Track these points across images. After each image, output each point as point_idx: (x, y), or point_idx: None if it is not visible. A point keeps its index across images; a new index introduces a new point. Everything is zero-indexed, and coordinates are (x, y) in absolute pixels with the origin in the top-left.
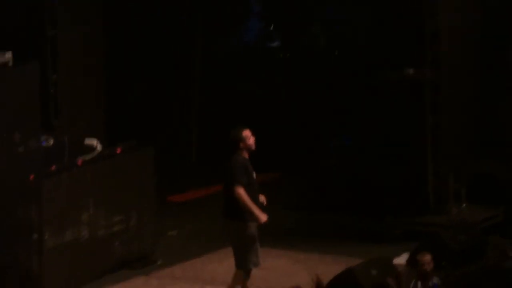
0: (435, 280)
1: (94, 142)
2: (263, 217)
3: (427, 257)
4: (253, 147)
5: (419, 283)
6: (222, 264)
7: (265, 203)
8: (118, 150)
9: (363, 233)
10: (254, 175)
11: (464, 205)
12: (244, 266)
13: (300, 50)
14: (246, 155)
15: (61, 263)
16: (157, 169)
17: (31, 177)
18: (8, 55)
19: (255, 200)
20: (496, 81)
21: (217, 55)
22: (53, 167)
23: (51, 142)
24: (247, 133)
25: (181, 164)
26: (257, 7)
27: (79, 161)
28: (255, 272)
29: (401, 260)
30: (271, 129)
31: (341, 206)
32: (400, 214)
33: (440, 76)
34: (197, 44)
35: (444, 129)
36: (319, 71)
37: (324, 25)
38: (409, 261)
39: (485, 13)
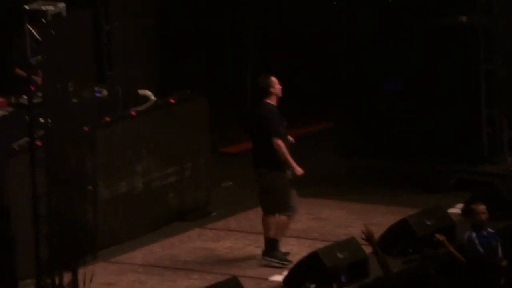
0: (490, 229)
1: (147, 92)
2: (299, 170)
3: (482, 207)
4: (281, 94)
5: (473, 233)
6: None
7: (293, 141)
8: (172, 101)
9: (417, 182)
10: (285, 122)
11: None
12: (282, 213)
13: None
14: (274, 101)
15: (116, 215)
16: (211, 120)
17: (86, 128)
18: (61, 5)
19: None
20: None
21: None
22: (107, 118)
23: (105, 93)
24: (274, 79)
25: (235, 114)
26: None
27: (133, 111)
28: (311, 223)
29: (455, 210)
30: (323, 76)
31: (395, 153)
32: (454, 163)
33: (493, 23)
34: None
35: (498, 77)
36: (372, 14)
37: None
38: (463, 211)
39: None
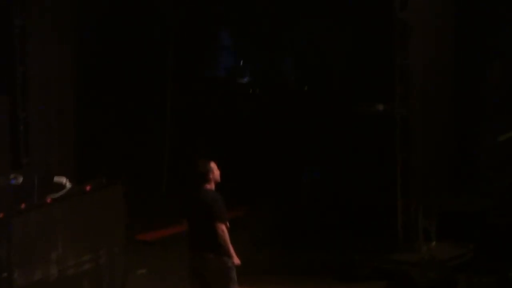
0: None
1: (63, 180)
2: (237, 260)
3: None
4: (219, 179)
5: None
6: None
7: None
8: (88, 188)
9: (332, 271)
10: None
11: (434, 242)
12: None
13: (270, 85)
14: (213, 187)
15: None
16: (127, 205)
17: (0, 215)
18: None
19: None
20: (469, 118)
21: (188, 87)
22: (23, 205)
23: (20, 180)
24: (214, 165)
25: (152, 200)
26: (227, 40)
27: (49, 199)
28: None
29: None
30: (242, 164)
31: (310, 241)
32: (370, 252)
33: (411, 112)
34: (168, 76)
35: (414, 166)
36: (289, 106)
37: (294, 60)
38: None
39: (458, 46)
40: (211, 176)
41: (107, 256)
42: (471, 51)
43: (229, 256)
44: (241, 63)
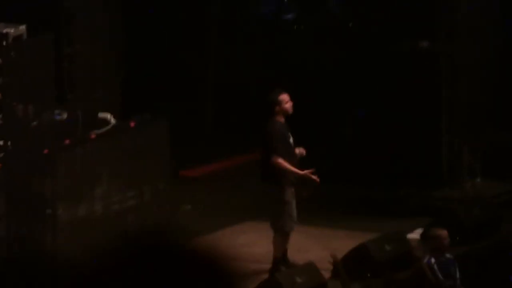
0: (448, 255)
1: (107, 115)
2: (305, 173)
3: (444, 233)
4: (290, 111)
5: (432, 259)
6: (235, 240)
7: (304, 153)
8: (132, 124)
9: (377, 207)
10: (291, 139)
11: (479, 179)
12: (280, 230)
13: (314, 23)
14: (282, 119)
15: (75, 238)
16: (172, 142)
17: (45, 151)
18: (22, 27)
19: (294, 165)
20: None
21: (232, 27)
22: (67, 141)
23: (65, 115)
24: (284, 96)
25: (196, 137)
26: None
27: (93, 134)
28: (271, 247)
29: (415, 235)
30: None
31: (356, 178)
32: (414, 188)
33: (455, 48)
34: (213, 19)
35: (459, 102)
36: (334, 43)
37: None
38: (423, 236)
39: None
40: (277, 108)
41: (152, 192)
42: None
43: (287, 183)
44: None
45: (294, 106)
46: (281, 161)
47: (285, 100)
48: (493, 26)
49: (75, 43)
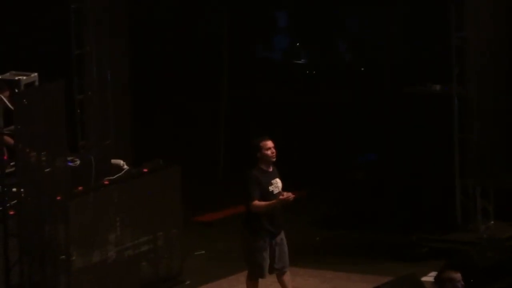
0: None
1: (120, 162)
2: (285, 197)
3: (458, 275)
4: (273, 158)
5: None
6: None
7: (290, 198)
8: (145, 170)
9: (390, 251)
10: (273, 186)
11: (492, 222)
12: (248, 277)
13: (326, 67)
14: (264, 166)
15: (89, 284)
16: (184, 188)
17: (58, 197)
18: (34, 75)
19: (272, 216)
20: None
21: (244, 70)
22: (80, 188)
23: (78, 162)
24: (265, 143)
25: (208, 183)
26: (283, 22)
27: (106, 181)
28: None
29: (428, 278)
30: (298, 146)
31: (368, 223)
32: (427, 232)
33: (468, 92)
34: (224, 59)
35: (472, 145)
36: (345, 87)
37: (350, 42)
38: (436, 279)
39: None
40: (258, 155)
41: (165, 237)
42: None
43: (255, 236)
44: (297, 44)
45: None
46: (256, 203)
47: (266, 147)
48: (506, 69)
49: (86, 90)
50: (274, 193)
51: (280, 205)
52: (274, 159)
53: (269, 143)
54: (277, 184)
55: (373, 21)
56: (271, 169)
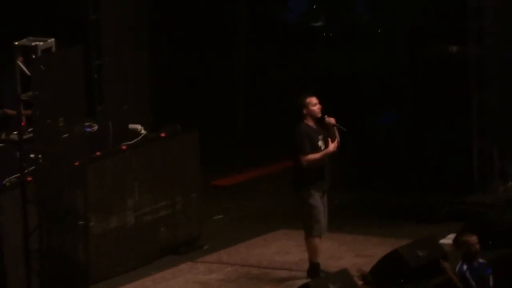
0: (481, 260)
1: (138, 127)
2: (333, 145)
3: (473, 238)
4: (318, 114)
5: (464, 265)
6: (268, 248)
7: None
8: (162, 135)
9: (408, 213)
10: (321, 141)
11: (511, 183)
12: (308, 234)
13: (343, 29)
14: (310, 122)
15: (107, 249)
16: (202, 152)
17: (76, 163)
18: (51, 40)
19: (322, 169)
20: None
21: (262, 35)
22: (98, 153)
23: (95, 127)
24: (310, 99)
25: (226, 146)
26: None
27: (123, 146)
28: (303, 255)
29: (447, 240)
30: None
31: (386, 184)
32: (446, 193)
33: (484, 53)
34: (243, 25)
35: (489, 106)
36: (363, 48)
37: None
38: (455, 241)
39: None
40: (304, 111)
41: (183, 202)
42: None
43: (313, 189)
44: (314, 7)
45: (324, 110)
46: (309, 156)
47: (312, 103)
48: None
49: (104, 55)
50: (322, 148)
51: (328, 156)
52: (320, 115)
53: (315, 99)
54: (323, 139)
55: None
56: (315, 125)
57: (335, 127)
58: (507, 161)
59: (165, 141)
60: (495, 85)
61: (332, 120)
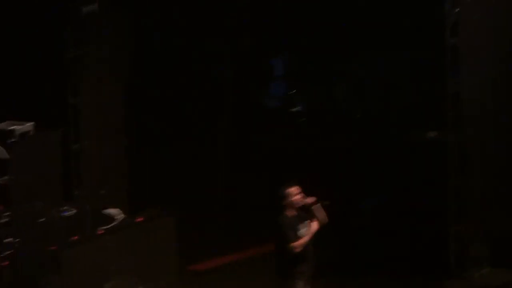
0: None
1: (115, 211)
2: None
3: None
4: (299, 203)
5: None
6: None
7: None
8: (140, 219)
9: None
10: (303, 228)
11: (487, 269)
12: None
13: (322, 114)
14: (292, 212)
15: None
16: (180, 235)
17: (53, 247)
18: (30, 124)
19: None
20: None
21: (244, 118)
22: (75, 237)
23: (73, 212)
24: (291, 190)
25: (205, 230)
26: (280, 70)
27: (101, 230)
28: None
29: None
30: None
31: (363, 267)
32: (422, 279)
33: (463, 138)
34: (225, 108)
35: (468, 191)
36: (341, 133)
37: (347, 88)
38: None
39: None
40: (285, 202)
41: (160, 287)
42: None
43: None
44: (293, 92)
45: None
46: (298, 243)
47: (293, 193)
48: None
49: (82, 140)
50: (304, 235)
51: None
52: (302, 203)
53: (296, 189)
54: (304, 225)
55: (370, 68)
56: (298, 212)
57: (316, 205)
58: (485, 246)
59: (142, 226)
60: (476, 169)
61: (309, 201)
